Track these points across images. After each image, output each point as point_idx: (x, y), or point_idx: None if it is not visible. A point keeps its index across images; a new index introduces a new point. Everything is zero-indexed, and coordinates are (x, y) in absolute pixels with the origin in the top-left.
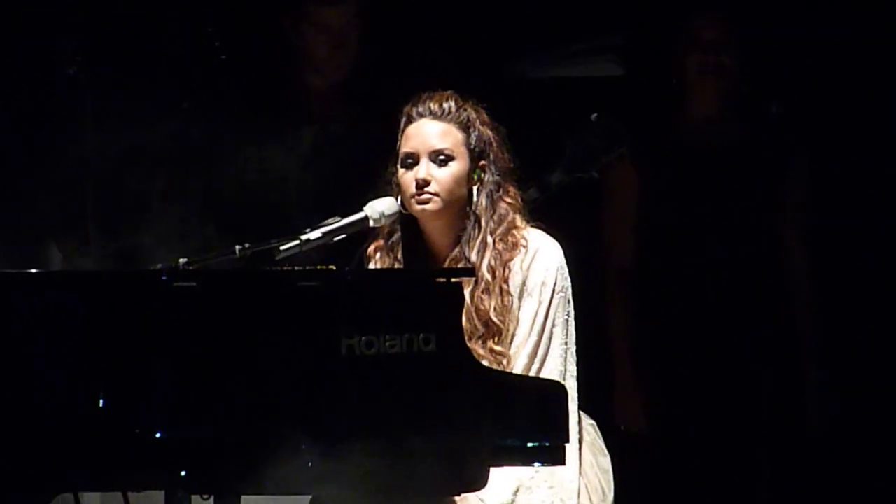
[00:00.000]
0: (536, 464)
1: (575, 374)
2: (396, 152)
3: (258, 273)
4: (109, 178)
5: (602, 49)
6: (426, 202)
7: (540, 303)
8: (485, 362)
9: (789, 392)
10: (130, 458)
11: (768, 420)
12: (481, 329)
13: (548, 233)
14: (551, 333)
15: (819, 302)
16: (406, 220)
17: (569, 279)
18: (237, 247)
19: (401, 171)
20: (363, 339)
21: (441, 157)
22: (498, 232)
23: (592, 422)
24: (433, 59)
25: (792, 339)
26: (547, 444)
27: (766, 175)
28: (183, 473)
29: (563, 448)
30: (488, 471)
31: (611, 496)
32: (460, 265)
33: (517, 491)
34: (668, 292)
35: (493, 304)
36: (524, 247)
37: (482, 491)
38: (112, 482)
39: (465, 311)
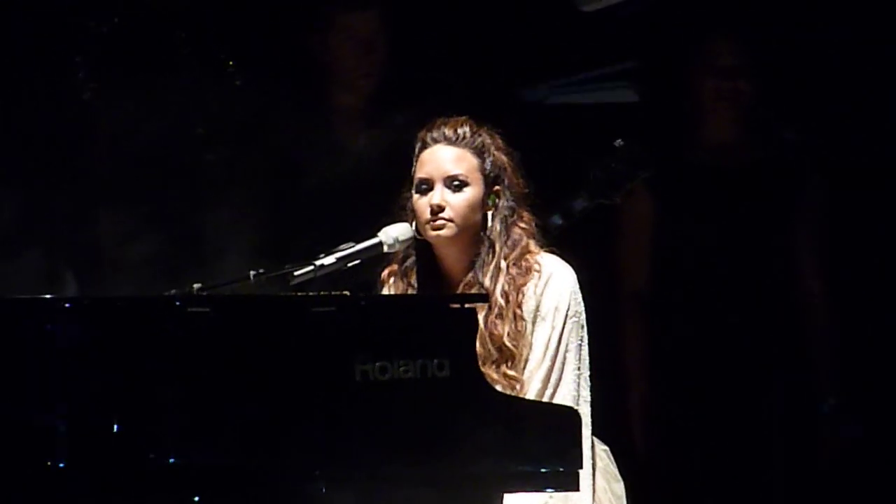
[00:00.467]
0: (549, 490)
1: (588, 399)
2: (411, 177)
3: (272, 298)
4: (126, 200)
5: (617, 75)
6: (440, 228)
7: (553, 327)
8: (498, 387)
9: (803, 415)
10: (144, 484)
11: (781, 443)
12: (495, 354)
13: (561, 257)
14: (564, 358)
15: (833, 325)
16: (420, 245)
17: (582, 304)
18: (251, 272)
19: (415, 196)
20: (377, 364)
21: (455, 183)
22: (511, 257)
23: (606, 447)
24: (448, 84)
25: (806, 363)
26: (560, 470)
27: (780, 199)
28: (196, 499)
29: (577, 474)
30: (502, 497)
31: None
32: (474, 290)
33: None
34: (682, 316)
35: (506, 329)
36: (538, 271)
37: None
38: None
39: (478, 336)
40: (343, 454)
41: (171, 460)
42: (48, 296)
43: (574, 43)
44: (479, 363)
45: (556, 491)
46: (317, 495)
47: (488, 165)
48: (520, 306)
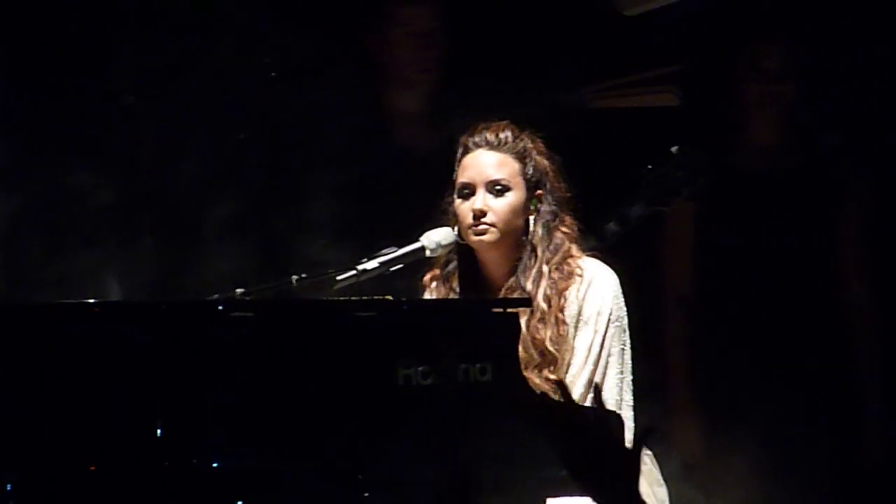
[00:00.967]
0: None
1: (631, 403)
2: (453, 182)
3: (315, 303)
4: (169, 206)
5: (660, 79)
6: (483, 233)
7: (595, 332)
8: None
9: (847, 420)
10: (187, 488)
11: (826, 449)
12: (537, 358)
13: (603, 262)
14: (607, 363)
15: (877, 330)
16: (462, 250)
17: (625, 308)
18: (294, 276)
19: (457, 201)
20: (419, 368)
21: (498, 188)
22: (553, 261)
23: (649, 452)
24: (491, 88)
25: (850, 366)
26: None
27: (823, 204)
28: (239, 503)
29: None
30: (545, 501)
31: None
32: (516, 294)
33: None
34: (725, 320)
35: (548, 333)
36: (580, 276)
37: None
38: None
39: (521, 340)
40: (385, 458)
41: (215, 464)
42: (92, 300)
43: (617, 47)
44: (522, 367)
45: None
46: (359, 499)
47: (530, 170)
48: (562, 310)
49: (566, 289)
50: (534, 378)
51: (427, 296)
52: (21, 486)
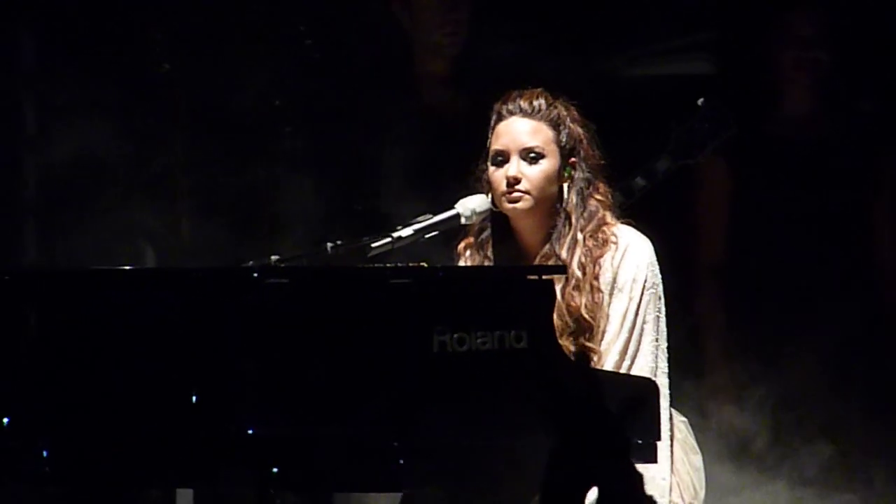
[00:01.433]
0: None
1: (666, 370)
2: (487, 150)
3: (350, 270)
4: (203, 176)
5: (695, 46)
6: (517, 200)
7: (630, 299)
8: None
9: (884, 384)
10: (223, 455)
11: (860, 406)
12: (572, 326)
13: (638, 229)
14: (642, 330)
15: None
16: (496, 218)
17: (659, 276)
18: (328, 244)
19: (491, 168)
20: (455, 335)
21: (532, 155)
22: (588, 229)
23: (684, 419)
24: (525, 56)
25: (886, 335)
26: (639, 442)
27: (857, 170)
28: (275, 470)
29: (655, 445)
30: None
31: (702, 494)
32: (550, 262)
33: None
34: (760, 287)
35: (583, 300)
36: (614, 243)
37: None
38: (204, 478)
39: (555, 307)
40: (421, 425)
41: (250, 431)
42: (127, 267)
43: (651, 14)
44: (557, 335)
45: (635, 462)
46: (394, 466)
47: (564, 137)
48: (596, 278)
49: (601, 256)
50: (569, 345)
51: (461, 263)
52: (56, 451)
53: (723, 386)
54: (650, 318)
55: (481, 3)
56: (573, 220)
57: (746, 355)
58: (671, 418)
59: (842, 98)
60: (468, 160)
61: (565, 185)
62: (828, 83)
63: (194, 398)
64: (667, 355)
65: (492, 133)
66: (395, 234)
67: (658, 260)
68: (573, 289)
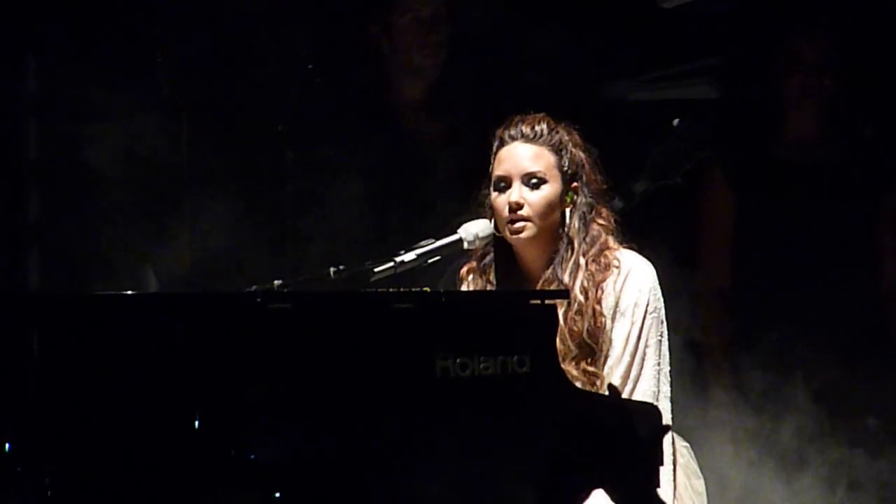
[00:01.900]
0: None
1: (669, 395)
2: (489, 175)
3: (353, 295)
4: (201, 198)
5: (699, 71)
6: (520, 231)
7: (633, 323)
8: (578, 384)
9: (888, 406)
10: (225, 480)
11: (866, 437)
12: (574, 350)
13: (640, 254)
14: (644, 354)
15: None
16: (499, 242)
17: (662, 300)
18: (331, 268)
19: (493, 194)
20: (458, 360)
21: (533, 181)
22: (590, 253)
23: (686, 443)
24: (527, 81)
25: (890, 360)
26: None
27: (863, 197)
28: (277, 495)
29: (657, 470)
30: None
31: None
32: (553, 286)
33: None
34: (764, 310)
35: (585, 325)
36: (616, 267)
37: None
38: (206, 503)
39: (558, 332)
40: (424, 450)
41: (253, 456)
42: (129, 292)
43: (655, 39)
44: (560, 359)
45: (639, 488)
46: (397, 490)
47: (566, 163)
48: (599, 302)
49: (603, 280)
50: (571, 370)
51: (464, 288)
52: (58, 479)
53: (725, 408)
54: (652, 342)
55: (485, 29)
56: (575, 245)
57: (750, 380)
58: (673, 443)
59: (847, 123)
60: (445, 186)
61: (567, 210)
62: (833, 108)
63: (197, 423)
64: (669, 379)
65: (494, 158)
66: (398, 259)
67: (660, 284)
68: (575, 313)
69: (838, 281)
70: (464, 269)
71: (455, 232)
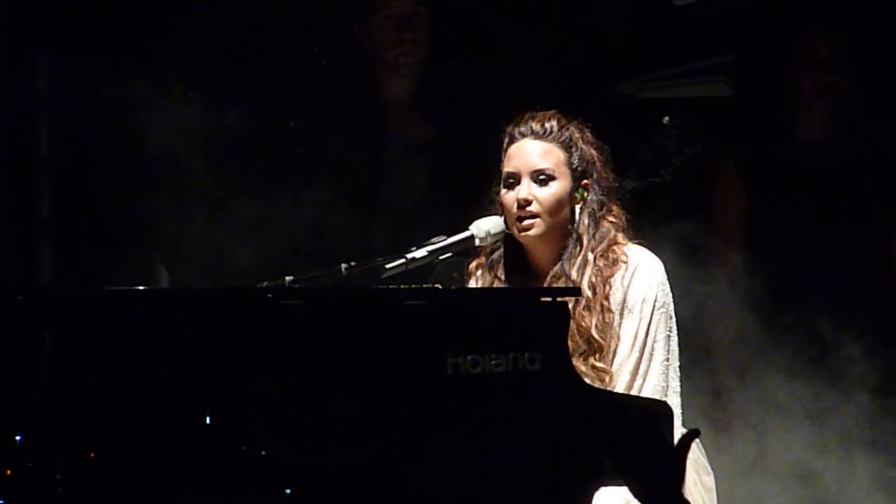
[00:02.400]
0: None
1: (678, 390)
2: (500, 172)
3: (364, 291)
4: (215, 195)
5: (711, 69)
6: (528, 228)
7: (641, 319)
8: (587, 380)
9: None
10: (236, 476)
11: (868, 432)
12: (583, 346)
13: (650, 249)
14: (652, 349)
15: None
16: (508, 239)
17: (670, 295)
18: (343, 265)
19: (503, 191)
20: (469, 357)
21: (542, 177)
22: (599, 249)
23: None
24: (540, 78)
25: None
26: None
27: (875, 196)
28: (287, 492)
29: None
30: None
31: None
32: (561, 282)
33: None
34: (776, 311)
35: (594, 321)
36: (624, 262)
37: None
38: (217, 500)
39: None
40: (434, 447)
41: (263, 453)
42: (141, 287)
43: (668, 37)
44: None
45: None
46: (407, 488)
47: (576, 159)
48: (607, 298)
49: (611, 276)
50: (580, 366)
51: (472, 283)
52: (70, 474)
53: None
54: (661, 337)
55: (496, 26)
56: (584, 241)
57: (761, 378)
58: None
59: (860, 121)
60: (436, 186)
61: (577, 207)
62: (846, 107)
63: (208, 419)
64: (678, 374)
65: (504, 156)
66: (410, 256)
67: (670, 280)
68: (584, 309)
69: (849, 279)
70: (472, 264)
71: (467, 229)
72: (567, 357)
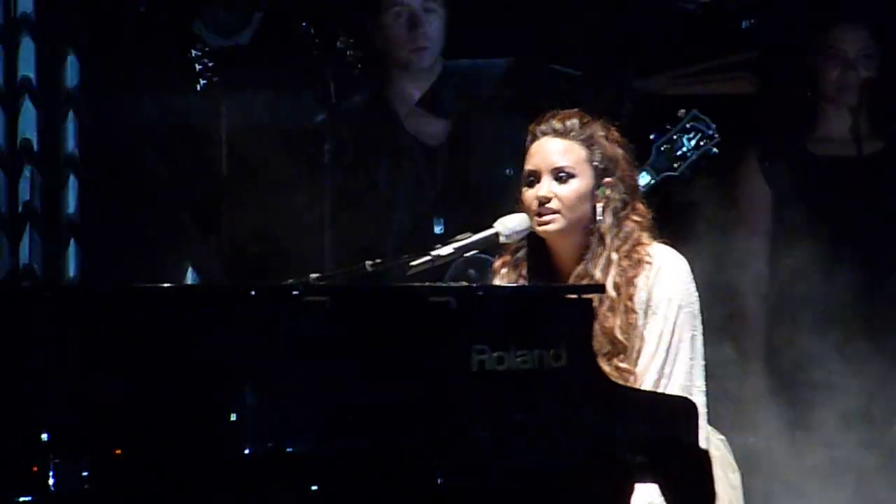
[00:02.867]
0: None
1: (703, 388)
2: (523, 171)
3: (389, 288)
4: (240, 190)
5: (736, 65)
6: (548, 223)
7: (666, 318)
8: None
9: None
10: (262, 473)
11: None
12: (607, 346)
13: (674, 248)
14: (678, 349)
15: None
16: (532, 237)
17: (695, 293)
18: (368, 262)
19: (524, 189)
20: (494, 354)
21: (561, 175)
22: (623, 249)
23: (722, 437)
24: (566, 76)
25: None
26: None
27: None
28: (314, 488)
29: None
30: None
31: None
32: (584, 282)
33: None
34: (801, 307)
35: (617, 321)
36: (649, 263)
37: None
38: (243, 496)
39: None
40: (460, 444)
41: (289, 449)
42: (167, 284)
43: (693, 32)
44: None
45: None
46: (433, 485)
47: (597, 157)
48: (630, 298)
49: (635, 276)
50: (604, 367)
51: (497, 281)
52: (96, 470)
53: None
54: (686, 336)
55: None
56: (607, 241)
57: (787, 378)
58: (708, 436)
59: (884, 117)
60: (451, 185)
61: (599, 205)
62: (871, 102)
63: (233, 416)
64: (703, 373)
65: (526, 153)
66: (435, 253)
67: (695, 279)
68: (608, 310)
69: (876, 277)
70: (498, 262)
71: (492, 226)
72: (592, 354)
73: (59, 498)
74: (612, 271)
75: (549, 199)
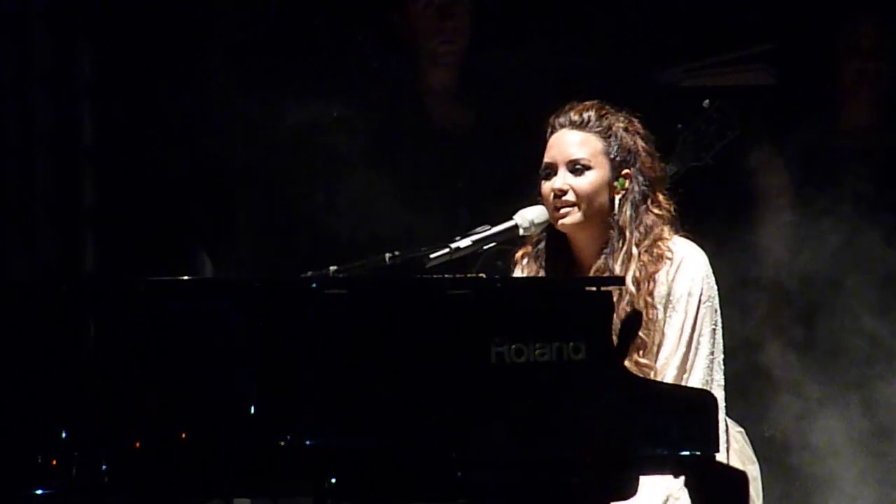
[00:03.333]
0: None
1: (722, 383)
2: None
3: (408, 281)
4: (262, 185)
5: (755, 57)
6: (564, 215)
7: (686, 314)
8: None
9: None
10: (280, 465)
11: None
12: None
13: (693, 241)
14: (698, 343)
15: None
16: (552, 229)
17: (715, 288)
18: (387, 254)
19: (542, 181)
20: (513, 346)
21: (578, 167)
22: (644, 244)
23: (741, 429)
24: (584, 67)
25: None
26: (697, 454)
27: None
28: (332, 481)
29: (714, 457)
30: (638, 480)
31: None
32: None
33: (666, 500)
34: (822, 301)
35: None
36: (669, 258)
37: (631, 500)
38: (262, 489)
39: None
40: (479, 436)
41: (308, 442)
42: (185, 277)
43: (711, 24)
44: None
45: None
46: (452, 478)
47: (614, 149)
48: (650, 294)
49: (656, 271)
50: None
51: (518, 272)
52: (115, 463)
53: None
54: (706, 331)
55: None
56: (627, 234)
57: (807, 374)
58: (727, 429)
59: None
60: (478, 176)
61: (618, 198)
62: (890, 94)
63: (252, 409)
64: (723, 367)
65: (545, 146)
66: (454, 245)
67: (715, 273)
68: (627, 304)
69: (893, 264)
70: (519, 253)
71: (511, 218)
72: (611, 346)
73: (79, 490)
74: (633, 266)
75: (565, 192)
